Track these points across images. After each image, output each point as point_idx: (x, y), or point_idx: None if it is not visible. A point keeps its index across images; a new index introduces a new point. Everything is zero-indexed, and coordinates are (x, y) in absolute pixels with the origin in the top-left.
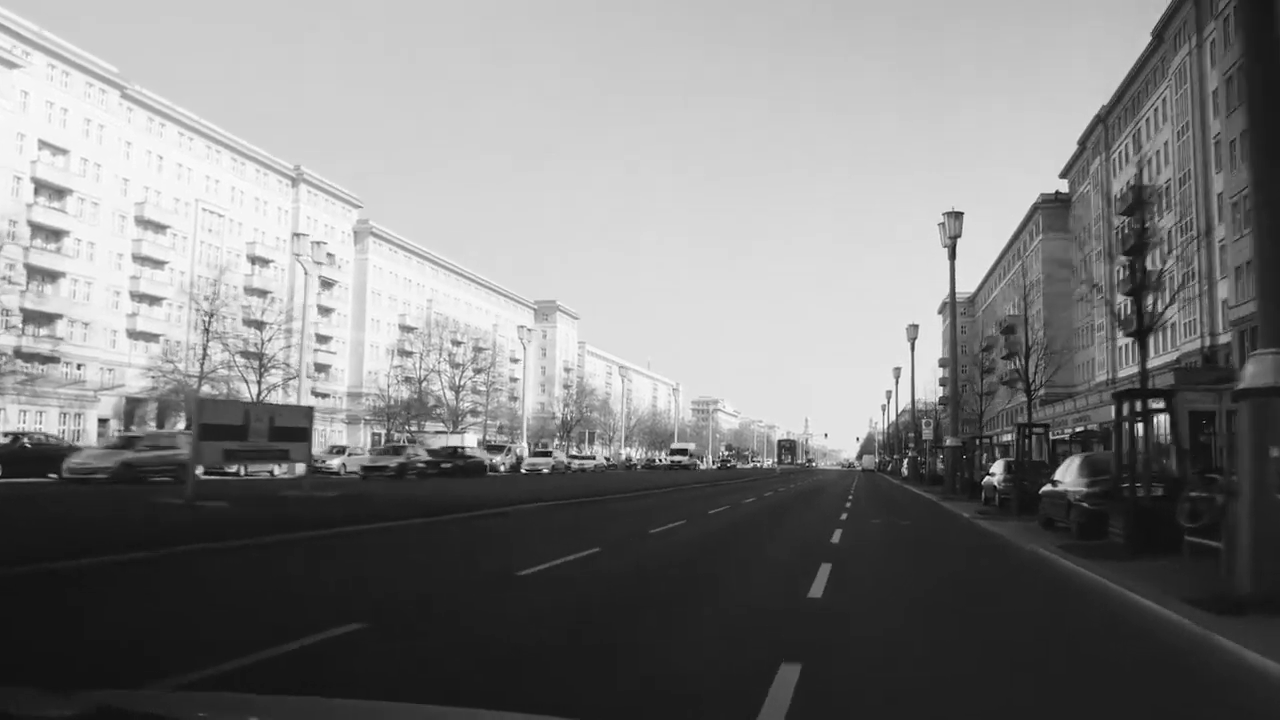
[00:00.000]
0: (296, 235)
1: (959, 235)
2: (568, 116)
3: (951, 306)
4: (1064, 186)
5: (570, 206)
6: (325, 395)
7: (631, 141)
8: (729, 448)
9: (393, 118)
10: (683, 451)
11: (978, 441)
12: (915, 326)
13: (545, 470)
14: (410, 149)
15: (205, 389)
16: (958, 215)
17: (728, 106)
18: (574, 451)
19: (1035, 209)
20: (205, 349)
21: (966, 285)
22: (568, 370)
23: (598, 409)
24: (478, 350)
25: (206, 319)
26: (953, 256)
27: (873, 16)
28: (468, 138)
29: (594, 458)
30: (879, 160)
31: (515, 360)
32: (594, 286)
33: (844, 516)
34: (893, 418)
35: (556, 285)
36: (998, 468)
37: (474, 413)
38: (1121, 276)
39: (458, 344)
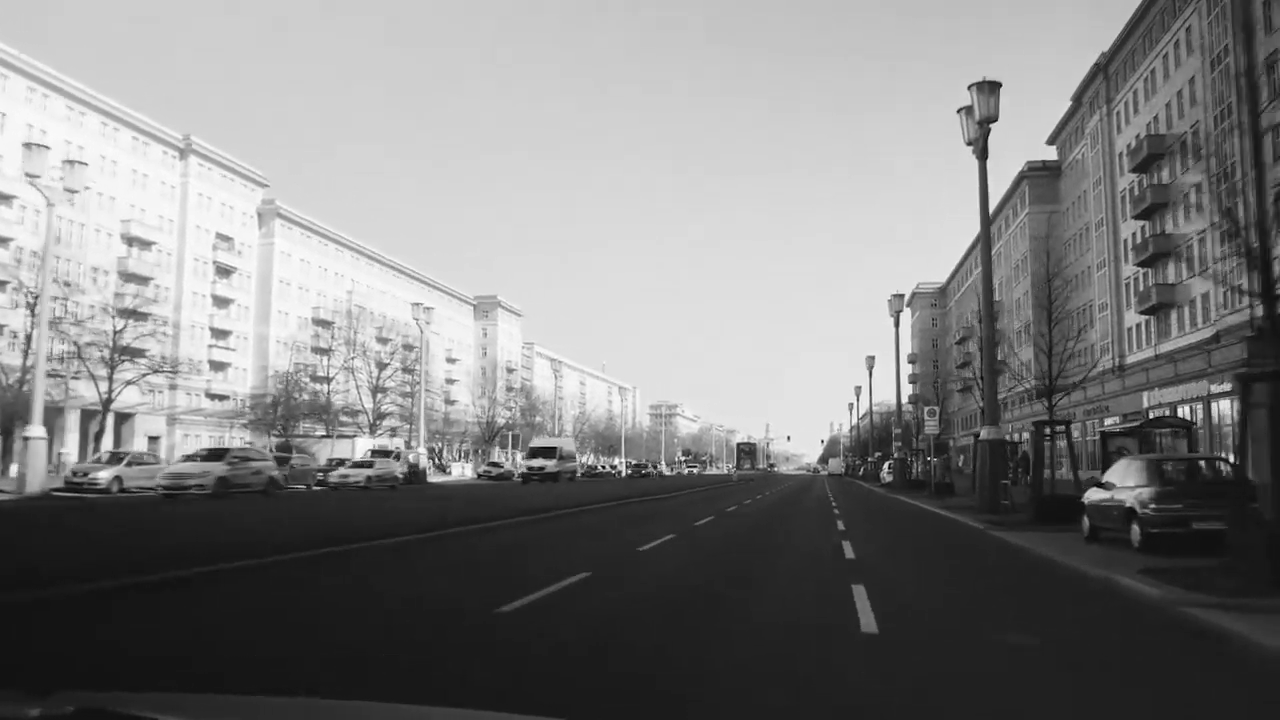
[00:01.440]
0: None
1: (994, 118)
2: (523, 110)
3: (984, 248)
4: (1052, 154)
5: (523, 206)
6: (223, 397)
7: (587, 137)
8: (686, 452)
9: (317, 94)
10: (546, 453)
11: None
12: (900, 297)
13: (359, 485)
14: (344, 132)
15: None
16: (994, 85)
17: (690, 103)
18: (498, 458)
19: (1020, 179)
20: (30, 339)
21: (938, 274)
22: (510, 371)
23: (542, 411)
24: (408, 349)
25: (31, 300)
26: (983, 155)
27: None
28: (416, 126)
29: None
30: (849, 156)
31: (454, 361)
32: (556, 294)
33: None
34: (883, 416)
35: (510, 288)
36: (1130, 471)
37: (396, 416)
38: (1137, 241)
39: (384, 341)
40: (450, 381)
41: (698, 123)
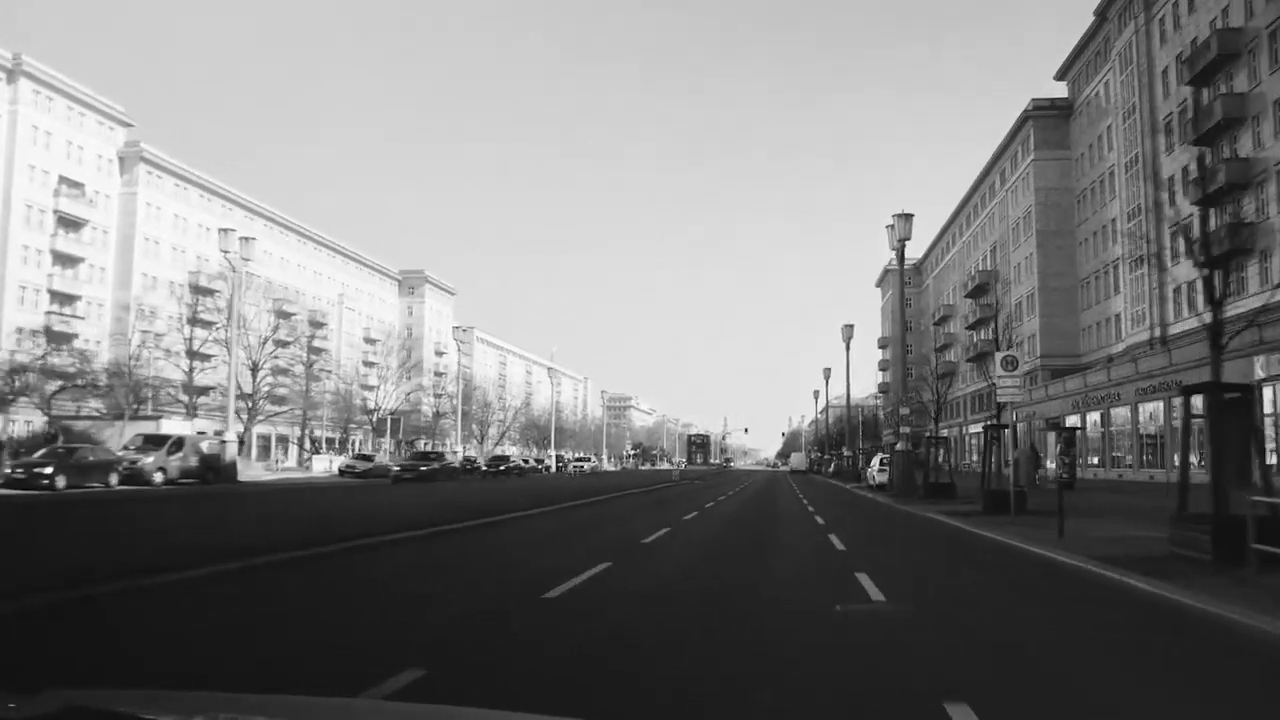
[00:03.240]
0: None
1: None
2: (473, 85)
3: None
4: (1061, 91)
5: (472, 191)
6: (68, 374)
7: (535, 117)
8: (636, 446)
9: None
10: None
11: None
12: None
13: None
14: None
15: None
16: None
17: (656, 87)
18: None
19: (1024, 121)
20: None
21: (911, 250)
22: (440, 354)
23: (476, 400)
24: (316, 325)
25: None
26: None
27: None
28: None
29: (441, 456)
30: (815, 137)
31: (372, 341)
32: (512, 284)
33: None
34: (846, 410)
35: (456, 275)
36: None
37: (274, 399)
38: (1191, 175)
39: (285, 315)
40: (369, 364)
41: (659, 106)
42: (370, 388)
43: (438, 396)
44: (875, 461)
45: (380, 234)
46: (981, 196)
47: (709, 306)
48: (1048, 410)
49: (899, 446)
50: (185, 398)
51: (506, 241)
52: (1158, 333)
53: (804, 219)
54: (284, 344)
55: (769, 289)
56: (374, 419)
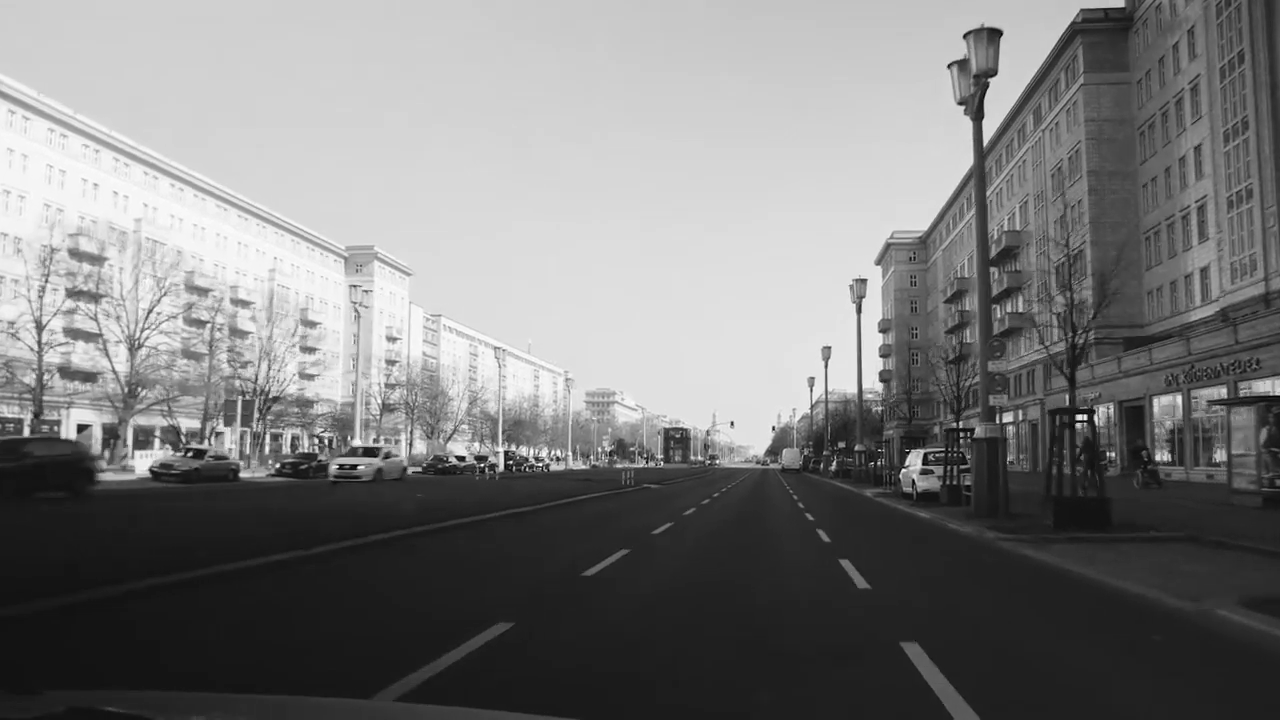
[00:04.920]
0: None
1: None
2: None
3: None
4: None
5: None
6: None
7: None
8: (616, 443)
9: None
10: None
11: None
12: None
13: None
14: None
15: None
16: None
17: (640, 74)
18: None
19: (1071, 38)
20: None
21: (917, 223)
22: (393, 340)
23: (424, 391)
24: (239, 303)
25: None
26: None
27: None
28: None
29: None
30: (804, 122)
31: (312, 324)
32: (505, 282)
33: None
34: (840, 404)
35: (433, 270)
36: None
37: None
38: None
39: (201, 292)
40: (308, 350)
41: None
42: (309, 376)
43: (390, 387)
44: (914, 460)
45: (347, 219)
46: (1008, 146)
47: (699, 302)
48: (1115, 392)
49: (980, 433)
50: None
51: (502, 239)
52: (1275, 285)
53: (800, 198)
54: (199, 323)
55: (759, 284)
56: (262, 403)
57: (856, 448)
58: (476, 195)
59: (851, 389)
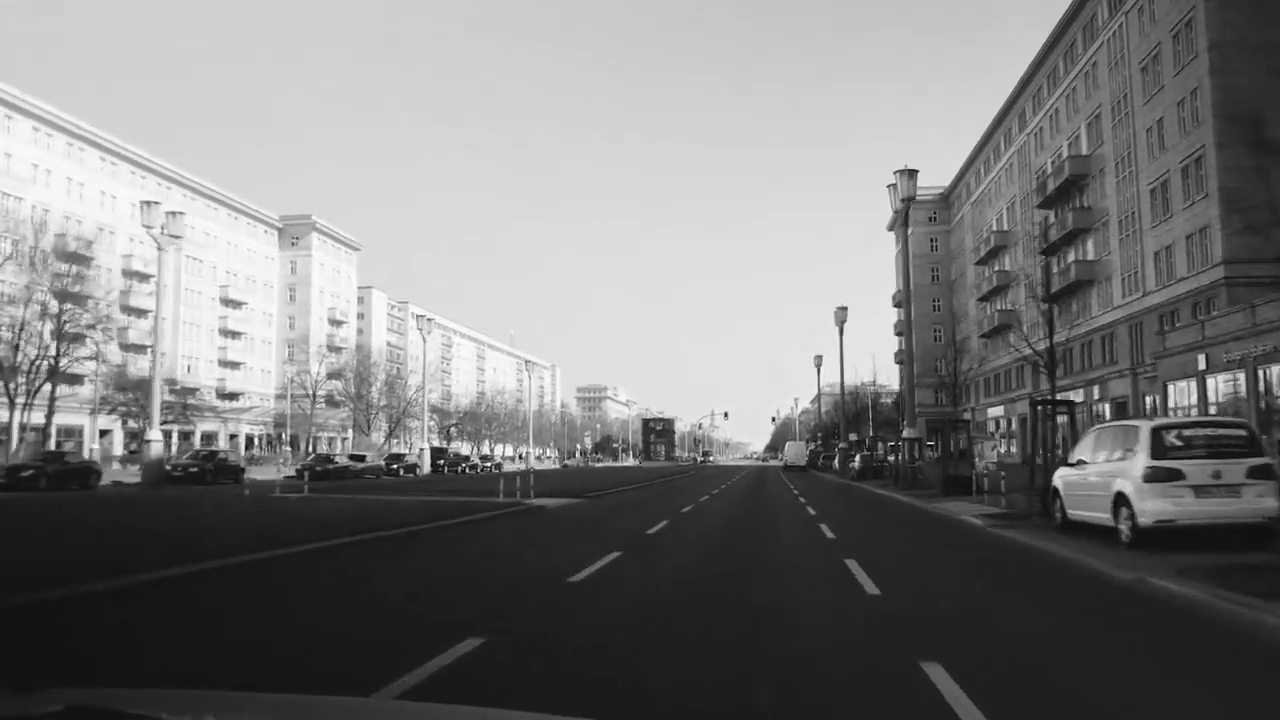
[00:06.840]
0: None
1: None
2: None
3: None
4: None
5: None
6: None
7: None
8: (607, 437)
9: None
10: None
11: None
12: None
13: None
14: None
15: None
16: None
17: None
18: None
19: None
20: None
21: (938, 178)
22: (337, 324)
23: (362, 375)
24: (136, 277)
25: None
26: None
27: None
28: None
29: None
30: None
31: (234, 304)
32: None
33: None
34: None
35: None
36: None
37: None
38: None
39: (81, 259)
40: (230, 334)
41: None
42: (232, 365)
43: (331, 377)
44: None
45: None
46: (1062, 56)
47: (698, 302)
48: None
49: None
50: None
51: (502, 240)
52: None
53: (800, 198)
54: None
55: (759, 284)
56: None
57: (905, 434)
58: (476, 195)
59: (865, 374)
